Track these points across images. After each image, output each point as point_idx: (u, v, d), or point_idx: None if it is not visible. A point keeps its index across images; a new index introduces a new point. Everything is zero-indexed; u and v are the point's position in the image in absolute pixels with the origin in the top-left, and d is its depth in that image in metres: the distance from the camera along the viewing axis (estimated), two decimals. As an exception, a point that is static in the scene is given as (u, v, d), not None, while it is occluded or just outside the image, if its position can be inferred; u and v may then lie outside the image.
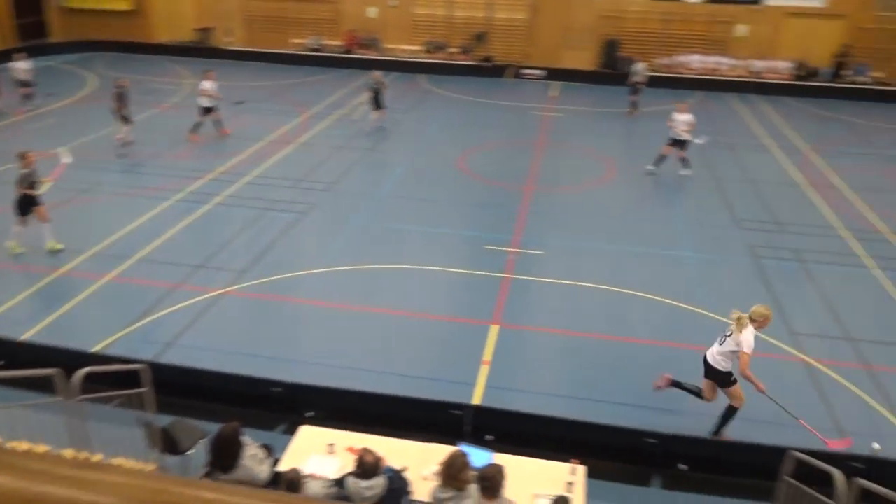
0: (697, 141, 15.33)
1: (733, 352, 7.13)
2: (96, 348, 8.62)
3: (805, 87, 24.17)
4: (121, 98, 15.76)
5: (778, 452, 6.26)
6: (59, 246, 11.13)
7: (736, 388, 7.33)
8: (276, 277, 10.67)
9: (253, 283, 10.48)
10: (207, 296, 10.03)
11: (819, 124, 21.15)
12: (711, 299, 10.34)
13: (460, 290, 10.69)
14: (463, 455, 5.09)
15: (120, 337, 8.99)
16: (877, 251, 12.08)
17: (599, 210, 13.74)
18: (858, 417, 7.94)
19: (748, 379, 7.10)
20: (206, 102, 16.83)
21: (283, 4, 27.68)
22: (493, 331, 9.44)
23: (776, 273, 11.29)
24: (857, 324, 9.83)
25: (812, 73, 24.79)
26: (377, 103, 18.12)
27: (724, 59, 25.15)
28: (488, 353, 8.95)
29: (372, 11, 27.24)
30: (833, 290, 10.78)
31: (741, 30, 25.32)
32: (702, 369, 7.50)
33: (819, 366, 8.82)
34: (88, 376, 6.12)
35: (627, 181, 15.53)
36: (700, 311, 10.06)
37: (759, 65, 25.04)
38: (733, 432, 7.41)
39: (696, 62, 25.28)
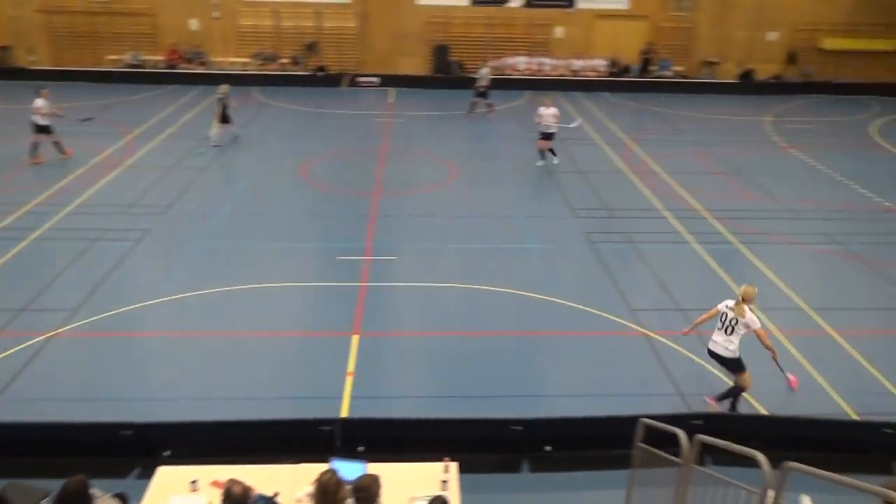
0: (572, 125, 17.22)
1: (745, 333, 7.74)
2: None
3: (620, 83, 26.22)
4: None
5: (631, 421, 6.73)
6: None
7: (746, 374, 7.86)
8: (114, 312, 9.88)
9: (88, 320, 9.63)
10: (35, 341, 9.07)
11: (635, 116, 23.02)
12: (558, 286, 10.94)
13: (317, 304, 10.50)
14: (333, 474, 4.99)
15: (-70, 399, 7.91)
16: (694, 228, 13.36)
17: (447, 211, 14.05)
18: (694, 379, 8.73)
19: (769, 348, 7.83)
20: (41, 121, 15.80)
21: (93, 19, 25.68)
22: (355, 341, 9.37)
23: (611, 255, 12.15)
24: (685, 294, 10.82)
25: (624, 70, 26.95)
26: (224, 117, 17.79)
27: (547, 60, 26.68)
28: (351, 364, 8.87)
29: (194, 24, 26.02)
30: (661, 266, 11.77)
31: (559, 32, 27.00)
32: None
33: (657, 336, 9.61)
34: None
35: (470, 181, 16.01)
36: (549, 298, 10.59)
37: (577, 64, 26.82)
38: (590, 409, 7.87)
39: (521, 63, 26.59)
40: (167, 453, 6.96)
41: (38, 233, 12.31)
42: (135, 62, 25.75)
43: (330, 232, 13.04)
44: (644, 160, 17.67)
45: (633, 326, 9.88)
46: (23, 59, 25.80)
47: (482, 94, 21.62)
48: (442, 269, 11.51)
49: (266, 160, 17.23)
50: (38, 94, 15.91)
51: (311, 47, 26.42)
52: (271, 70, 25.96)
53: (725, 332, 7.79)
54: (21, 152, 16.07)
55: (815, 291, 11.02)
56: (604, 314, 10.18)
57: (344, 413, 7.92)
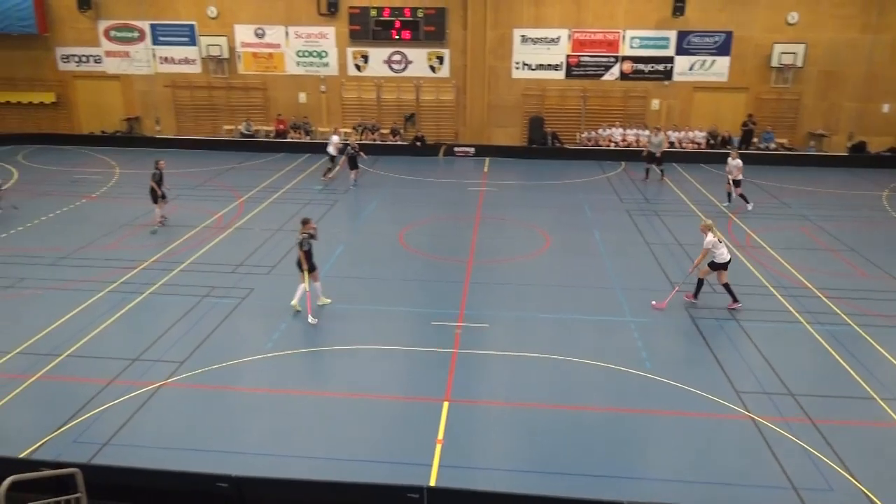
0: (748, 207, 19.19)
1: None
2: (23, 454, 8.03)
3: (720, 154, 25.57)
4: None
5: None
6: (327, 300, 12.52)
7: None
8: (217, 366, 10.29)
9: (193, 373, 10.07)
10: (144, 390, 9.56)
11: (736, 189, 22.35)
12: (655, 362, 10.53)
13: (409, 368, 10.54)
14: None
15: (50, 440, 8.42)
16: (805, 307, 12.62)
17: (540, 280, 13.96)
18: (808, 471, 8.08)
19: (697, 263, 12.49)
20: (333, 151, 21.99)
21: (212, 93, 27.87)
22: (445, 408, 9.30)
23: (714, 333, 11.61)
24: (796, 378, 10.15)
25: (726, 141, 26.38)
26: (355, 163, 21.55)
27: (644, 132, 26.52)
28: (441, 431, 8.79)
29: (302, 97, 27.73)
30: (770, 346, 11.13)
31: (655, 104, 26.92)
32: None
33: (765, 422, 9.01)
34: (15, 485, 5.68)
35: (564, 250, 15.89)
36: (644, 374, 10.20)
37: (675, 135, 26.53)
38: (686, 496, 7.40)
39: (617, 135, 26.59)
40: (259, 510, 7.04)
41: (153, 288, 13.13)
42: (247, 132, 27.58)
43: (425, 297, 13.19)
44: (748, 234, 17.04)
45: (738, 409, 9.32)
46: (150, 129, 28.26)
47: (658, 161, 22.48)
48: (534, 339, 11.36)
49: (365, 225, 17.81)
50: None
51: (410, 118, 27.51)
52: (372, 139, 27.15)
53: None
54: (140, 214, 17.34)
55: (945, 381, 10.09)
56: (705, 394, 9.68)
57: (433, 482, 7.81)
